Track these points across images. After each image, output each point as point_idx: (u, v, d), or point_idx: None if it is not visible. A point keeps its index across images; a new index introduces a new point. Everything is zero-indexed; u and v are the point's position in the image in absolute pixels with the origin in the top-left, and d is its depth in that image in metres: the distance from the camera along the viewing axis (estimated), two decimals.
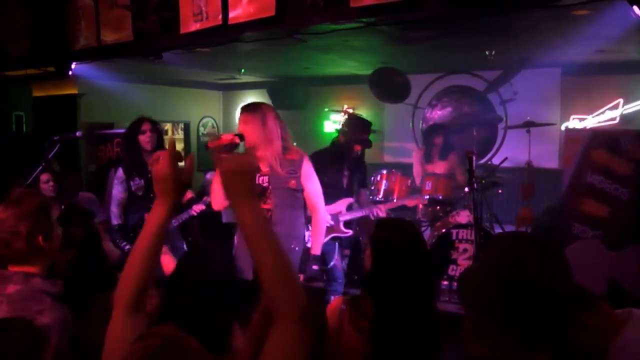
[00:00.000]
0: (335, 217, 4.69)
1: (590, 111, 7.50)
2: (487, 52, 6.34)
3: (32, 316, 1.91)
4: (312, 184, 3.55)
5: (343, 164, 4.74)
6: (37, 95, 8.05)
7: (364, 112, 9.30)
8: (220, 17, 3.98)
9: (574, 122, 7.60)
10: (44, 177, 4.43)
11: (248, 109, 3.47)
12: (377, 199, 5.31)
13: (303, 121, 9.85)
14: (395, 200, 5.23)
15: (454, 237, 4.96)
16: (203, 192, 5.15)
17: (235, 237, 3.72)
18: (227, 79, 9.75)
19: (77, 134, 4.91)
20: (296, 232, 3.58)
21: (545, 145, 7.35)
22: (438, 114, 8.35)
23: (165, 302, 1.94)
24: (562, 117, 7.69)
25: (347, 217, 4.66)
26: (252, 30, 3.95)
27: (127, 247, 4.32)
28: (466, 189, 4.58)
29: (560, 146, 7.50)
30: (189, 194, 4.64)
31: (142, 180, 4.53)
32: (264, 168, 3.45)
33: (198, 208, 4.55)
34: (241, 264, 3.43)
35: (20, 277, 2.04)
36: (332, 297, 4.28)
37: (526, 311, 1.26)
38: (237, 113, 3.72)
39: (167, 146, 1.67)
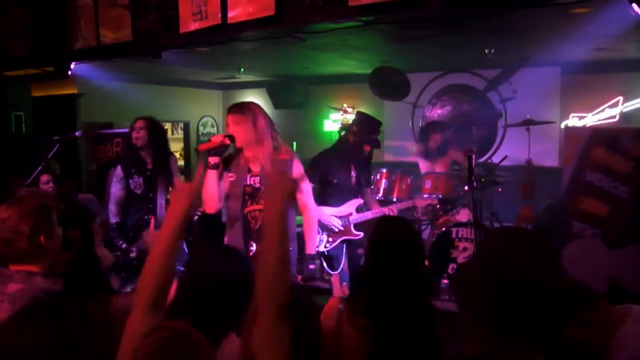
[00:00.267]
0: (345, 219, 4.66)
1: (589, 109, 7.50)
2: (486, 51, 6.34)
3: None
4: (303, 185, 3.52)
5: (351, 164, 4.69)
6: (36, 95, 8.04)
7: (363, 111, 9.31)
8: (219, 16, 3.98)
9: (574, 121, 7.60)
10: (44, 178, 4.43)
11: (237, 109, 3.44)
12: (377, 197, 5.30)
13: (303, 120, 9.86)
14: (395, 199, 5.23)
15: (453, 235, 4.96)
16: None
17: (226, 238, 3.67)
18: (227, 78, 9.75)
19: (77, 133, 4.91)
20: (289, 232, 3.56)
21: (545, 143, 7.35)
22: (438, 113, 8.35)
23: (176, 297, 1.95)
24: (561, 116, 7.68)
25: (358, 219, 4.63)
26: (252, 30, 3.95)
27: (124, 245, 4.33)
28: (466, 188, 4.58)
29: (560, 144, 7.50)
30: None
31: (141, 178, 4.53)
32: (256, 169, 3.44)
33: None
34: None
35: (21, 276, 2.05)
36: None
37: (520, 308, 1.26)
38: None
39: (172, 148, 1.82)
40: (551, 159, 7.57)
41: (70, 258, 2.31)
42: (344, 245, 4.65)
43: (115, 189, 4.58)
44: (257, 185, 3.44)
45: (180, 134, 11.25)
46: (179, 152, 10.84)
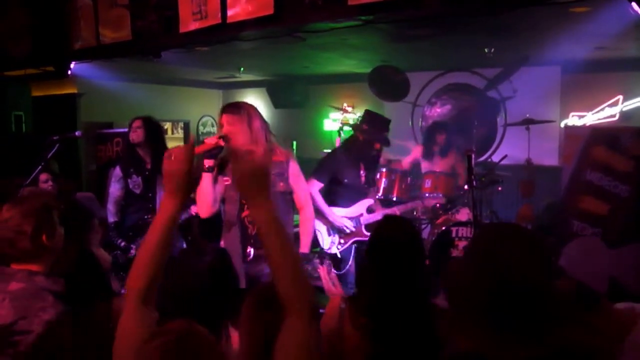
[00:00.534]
0: (356, 220, 4.64)
1: (589, 108, 7.50)
2: (486, 50, 6.34)
3: (34, 313, 1.93)
4: (300, 184, 3.48)
5: (360, 164, 4.65)
6: (36, 95, 8.05)
7: (363, 110, 9.32)
8: (219, 15, 3.99)
9: (574, 120, 7.60)
10: (43, 177, 4.44)
11: (232, 109, 3.34)
12: (377, 197, 5.31)
13: (302, 119, 9.86)
14: (394, 199, 5.22)
15: (453, 234, 4.96)
16: None
17: (222, 241, 3.60)
18: (227, 77, 9.75)
19: (77, 133, 4.91)
20: (286, 227, 3.50)
21: (545, 142, 7.35)
22: (437, 112, 8.35)
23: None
24: (561, 115, 7.68)
25: (369, 219, 4.61)
26: (251, 29, 3.95)
27: (123, 244, 4.33)
28: (466, 187, 4.58)
29: (560, 143, 7.50)
30: None
31: (140, 178, 4.54)
32: None
33: (195, 209, 4.55)
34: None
35: (23, 275, 2.06)
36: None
37: (510, 304, 1.26)
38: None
39: (172, 144, 1.71)
40: (551, 158, 7.57)
41: (73, 257, 2.32)
42: (353, 247, 4.64)
43: (114, 189, 4.59)
44: None
45: (180, 133, 11.25)
46: None
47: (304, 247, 3.67)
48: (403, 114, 8.41)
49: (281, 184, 3.34)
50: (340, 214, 4.61)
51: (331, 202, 4.63)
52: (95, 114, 8.72)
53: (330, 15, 3.63)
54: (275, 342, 1.43)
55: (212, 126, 11.02)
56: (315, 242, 7.00)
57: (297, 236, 3.83)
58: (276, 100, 9.40)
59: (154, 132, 4.64)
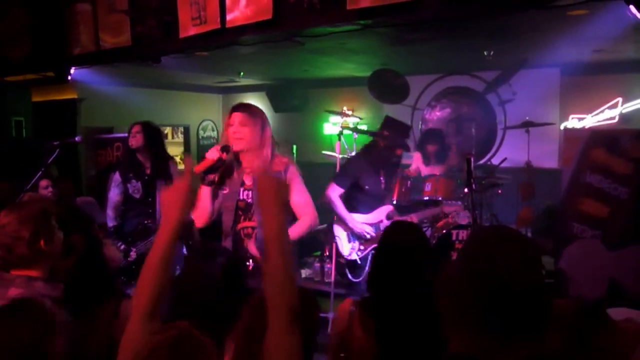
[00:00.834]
0: (376, 226, 4.63)
1: (589, 111, 7.50)
2: (485, 53, 6.35)
3: None
4: (297, 194, 3.22)
5: (381, 170, 4.64)
6: (36, 100, 8.06)
7: (363, 114, 9.31)
8: (218, 20, 4.00)
9: (573, 122, 7.60)
10: (43, 183, 4.46)
11: (247, 109, 3.21)
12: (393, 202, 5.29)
13: (302, 123, 9.86)
14: (394, 202, 5.22)
15: (454, 237, 4.96)
16: None
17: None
18: (226, 82, 9.76)
19: (77, 138, 4.93)
20: (290, 240, 3.39)
21: (545, 145, 7.35)
22: (437, 115, 8.35)
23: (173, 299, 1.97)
24: (561, 117, 7.69)
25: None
26: (250, 34, 3.96)
27: (123, 246, 4.34)
28: (465, 190, 4.59)
29: (560, 146, 7.50)
30: None
31: (139, 183, 4.55)
32: (249, 182, 3.25)
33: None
34: None
35: (22, 281, 2.06)
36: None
37: (495, 306, 1.27)
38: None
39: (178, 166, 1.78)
40: (551, 161, 7.57)
41: (73, 263, 2.31)
42: (370, 253, 4.63)
43: (113, 194, 4.60)
44: (250, 200, 3.25)
45: (180, 138, 11.25)
46: (179, 157, 10.84)
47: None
48: (403, 117, 8.36)
49: None
50: (360, 220, 4.61)
51: (351, 208, 4.63)
52: (95, 119, 8.72)
53: (328, 20, 3.64)
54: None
55: (212, 130, 11.03)
56: (315, 247, 7.04)
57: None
58: (276, 104, 9.41)
59: (153, 137, 4.65)
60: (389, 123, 4.81)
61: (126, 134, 4.76)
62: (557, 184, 5.61)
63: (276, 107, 9.46)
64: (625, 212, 4.59)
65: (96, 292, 2.29)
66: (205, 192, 3.17)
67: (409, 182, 5.41)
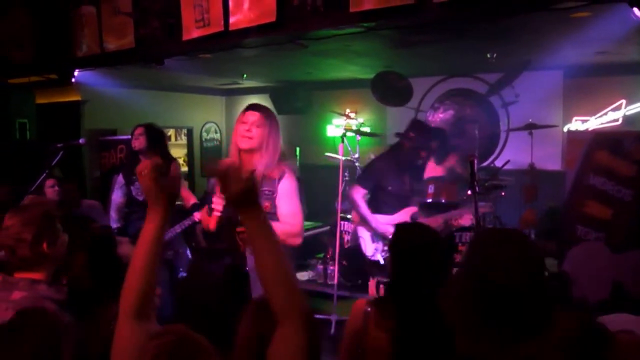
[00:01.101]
0: None
1: (592, 113, 7.48)
2: (488, 55, 6.34)
3: None
4: (286, 204, 3.12)
5: (405, 171, 4.64)
6: (40, 103, 8.08)
7: (366, 116, 9.32)
8: (221, 23, 4.00)
9: (577, 124, 7.59)
10: (49, 182, 4.48)
11: (264, 111, 3.18)
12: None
13: (305, 125, 9.87)
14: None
15: (457, 240, 4.97)
16: (206, 197, 5.16)
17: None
18: (230, 84, 9.77)
19: (81, 141, 4.94)
20: (276, 234, 3.22)
21: (548, 147, 7.34)
22: (440, 117, 8.35)
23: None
24: (564, 119, 7.67)
25: None
26: (254, 36, 3.96)
27: None
28: (469, 192, 4.58)
29: (563, 148, 7.49)
30: (192, 200, 4.66)
31: None
32: None
33: (198, 215, 4.55)
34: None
35: (25, 284, 2.06)
36: None
37: (495, 308, 1.28)
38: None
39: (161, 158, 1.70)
40: (554, 163, 7.56)
41: (86, 260, 2.31)
42: None
43: (116, 196, 4.62)
44: None
45: (183, 140, 11.27)
46: (182, 158, 10.86)
47: None
48: (406, 119, 8.36)
49: (267, 203, 3.05)
50: (383, 221, 4.61)
51: (375, 209, 4.63)
52: (98, 121, 8.74)
53: (332, 22, 3.64)
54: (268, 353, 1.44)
55: (216, 132, 11.04)
56: (318, 249, 7.05)
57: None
58: (279, 106, 9.41)
59: (156, 138, 4.67)
60: (415, 125, 4.81)
61: (130, 136, 4.77)
62: (560, 186, 5.61)
63: (279, 109, 9.46)
64: (629, 215, 4.58)
65: (104, 292, 2.30)
66: (210, 221, 3.10)
67: (446, 181, 5.40)
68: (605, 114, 7.38)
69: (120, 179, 4.66)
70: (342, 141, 5.91)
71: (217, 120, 11.11)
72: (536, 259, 1.36)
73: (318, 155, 8.87)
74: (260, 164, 3.10)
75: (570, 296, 4.35)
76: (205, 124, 10.93)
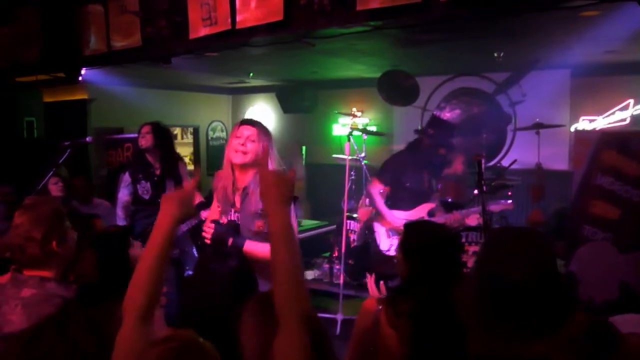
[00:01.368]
0: None
1: (600, 112, 7.45)
2: (495, 54, 6.32)
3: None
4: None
5: (425, 168, 4.62)
6: (47, 101, 8.11)
7: (372, 115, 9.31)
8: (229, 21, 4.00)
9: (584, 124, 7.56)
10: (53, 179, 4.50)
11: (258, 126, 3.06)
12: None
13: (311, 125, 9.87)
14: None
15: (463, 239, 4.95)
16: (212, 196, 5.16)
17: None
18: (236, 83, 9.78)
19: (87, 139, 4.96)
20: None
21: (555, 146, 7.31)
22: (447, 116, 8.32)
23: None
24: (571, 119, 7.65)
25: None
26: (261, 35, 3.96)
27: None
28: (475, 192, 4.57)
29: (570, 148, 7.46)
30: (198, 198, 4.66)
31: (149, 183, 4.57)
32: (239, 204, 3.03)
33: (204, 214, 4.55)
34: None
35: (35, 281, 2.07)
36: None
37: (510, 305, 1.27)
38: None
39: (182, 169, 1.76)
40: (561, 163, 7.53)
41: (96, 258, 2.31)
42: None
43: (122, 194, 4.63)
44: (239, 222, 3.02)
45: (189, 138, 11.29)
46: (188, 157, 10.88)
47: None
48: (412, 118, 8.40)
49: (259, 222, 2.92)
50: (400, 217, 4.61)
51: (392, 205, 4.63)
52: (105, 120, 8.77)
53: (338, 21, 3.63)
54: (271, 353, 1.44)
55: (222, 131, 11.05)
56: (324, 248, 7.04)
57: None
58: (285, 105, 9.42)
59: (163, 137, 4.68)
60: (435, 121, 4.81)
61: (136, 135, 4.78)
62: (567, 186, 5.59)
63: (285, 108, 9.48)
64: (637, 215, 4.56)
65: (112, 291, 2.30)
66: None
67: (453, 180, 5.39)
68: (613, 113, 7.35)
69: (126, 177, 4.67)
70: (349, 140, 5.90)
71: (223, 119, 11.12)
72: (552, 258, 1.36)
73: (324, 155, 8.87)
74: (254, 181, 2.97)
75: (577, 296, 4.33)
76: (212, 122, 10.94)
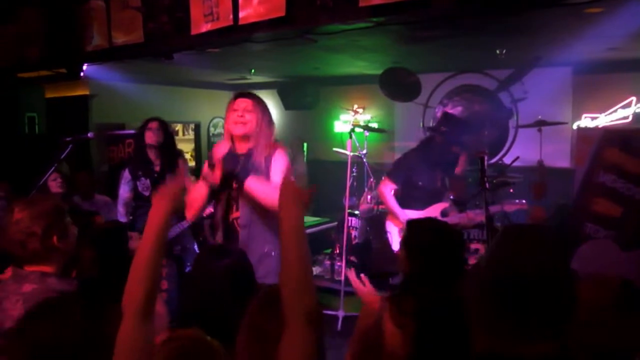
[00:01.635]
0: None
1: (602, 110, 7.44)
2: (497, 51, 6.31)
3: None
4: (276, 176, 3.13)
5: (437, 166, 4.56)
6: (49, 97, 8.11)
7: (374, 112, 9.30)
8: (230, 17, 3.98)
9: (586, 121, 7.55)
10: (53, 175, 4.49)
11: (254, 97, 3.27)
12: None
13: (313, 121, 9.87)
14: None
15: (465, 236, 4.94)
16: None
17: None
18: (238, 79, 9.77)
19: (89, 135, 4.95)
20: (269, 236, 3.18)
21: (557, 144, 7.30)
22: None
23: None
24: (573, 116, 7.64)
25: None
26: (263, 31, 3.95)
27: None
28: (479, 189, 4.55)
29: (572, 145, 7.46)
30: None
31: (149, 180, 4.56)
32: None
33: (208, 210, 4.54)
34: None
35: (36, 276, 2.08)
36: None
37: (520, 302, 1.27)
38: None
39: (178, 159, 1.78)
40: (563, 160, 7.52)
41: (95, 255, 2.31)
42: None
43: (123, 191, 4.62)
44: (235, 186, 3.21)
45: (191, 134, 11.29)
46: (189, 153, 10.88)
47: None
48: (414, 115, 8.39)
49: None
50: (413, 216, 4.59)
51: (405, 204, 4.55)
52: (107, 116, 8.78)
53: (341, 17, 3.61)
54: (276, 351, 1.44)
55: (223, 128, 11.04)
56: (326, 244, 7.04)
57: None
58: (287, 102, 9.41)
59: (170, 135, 4.70)
60: (447, 119, 4.73)
61: (138, 130, 4.76)
62: (569, 184, 5.58)
63: (287, 104, 9.46)
64: (639, 212, 4.54)
65: (112, 286, 2.30)
66: (202, 188, 3.17)
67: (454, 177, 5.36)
68: (615, 111, 7.34)
69: (126, 174, 4.65)
70: (350, 137, 5.89)
71: (224, 115, 11.10)
72: (564, 257, 1.36)
73: (326, 151, 8.87)
74: (255, 149, 3.16)
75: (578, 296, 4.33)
76: (213, 119, 10.94)
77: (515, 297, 1.28)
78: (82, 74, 5.46)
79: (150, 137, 4.55)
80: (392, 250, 4.74)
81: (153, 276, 1.60)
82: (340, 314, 5.14)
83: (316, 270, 6.67)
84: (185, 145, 10.81)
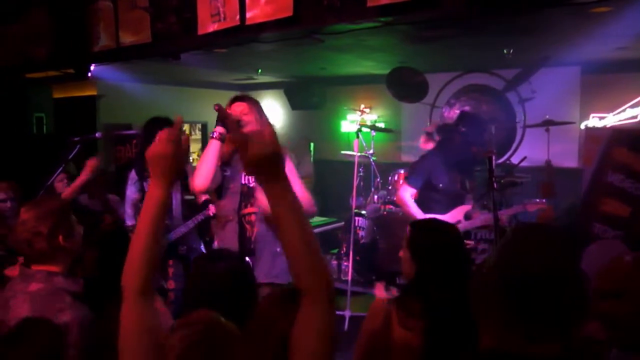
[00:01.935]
0: None
1: (610, 109, 7.40)
2: (505, 51, 6.29)
3: (52, 314, 1.95)
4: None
5: (456, 167, 4.40)
6: (57, 97, 8.14)
7: (381, 112, 9.29)
8: (238, 17, 3.99)
9: (594, 121, 7.51)
10: (60, 176, 4.52)
11: (248, 100, 3.37)
12: (395, 199, 5.25)
13: (320, 121, 9.86)
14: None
15: (472, 237, 4.92)
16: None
17: (216, 241, 3.55)
18: (244, 79, 9.78)
19: (97, 135, 4.96)
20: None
21: (565, 144, 7.27)
22: (456, 113, 8.29)
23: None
24: (581, 116, 7.60)
25: (467, 226, 4.34)
26: (270, 31, 3.95)
27: None
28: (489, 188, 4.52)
29: (580, 145, 7.42)
30: (204, 195, 4.65)
31: None
32: None
33: (214, 208, 4.54)
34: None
35: (42, 276, 2.09)
36: None
37: (528, 302, 1.27)
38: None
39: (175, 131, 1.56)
40: (571, 160, 7.49)
41: (97, 255, 2.32)
42: None
43: (130, 192, 4.62)
44: (252, 184, 3.26)
45: (198, 134, 11.31)
46: (196, 153, 10.90)
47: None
48: (421, 115, 8.38)
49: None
50: None
51: (426, 209, 4.34)
52: (114, 116, 8.81)
53: (348, 17, 3.61)
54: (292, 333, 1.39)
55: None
56: (332, 244, 7.04)
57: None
58: (293, 102, 9.41)
59: None
60: (467, 118, 4.59)
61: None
62: (577, 183, 5.55)
63: (294, 104, 9.47)
64: None
65: (115, 286, 2.31)
66: (213, 147, 3.20)
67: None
68: (624, 110, 7.29)
69: (133, 174, 4.65)
70: (357, 137, 5.88)
71: None
72: (574, 257, 1.35)
73: (333, 151, 8.86)
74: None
75: (587, 294, 4.30)
76: None
77: (524, 296, 1.27)
78: (89, 74, 5.48)
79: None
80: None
81: (151, 254, 1.54)
82: (347, 313, 5.14)
83: None
84: (192, 145, 10.82)
